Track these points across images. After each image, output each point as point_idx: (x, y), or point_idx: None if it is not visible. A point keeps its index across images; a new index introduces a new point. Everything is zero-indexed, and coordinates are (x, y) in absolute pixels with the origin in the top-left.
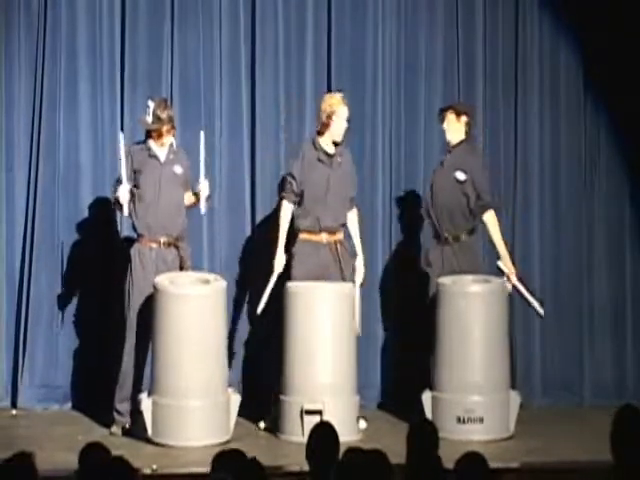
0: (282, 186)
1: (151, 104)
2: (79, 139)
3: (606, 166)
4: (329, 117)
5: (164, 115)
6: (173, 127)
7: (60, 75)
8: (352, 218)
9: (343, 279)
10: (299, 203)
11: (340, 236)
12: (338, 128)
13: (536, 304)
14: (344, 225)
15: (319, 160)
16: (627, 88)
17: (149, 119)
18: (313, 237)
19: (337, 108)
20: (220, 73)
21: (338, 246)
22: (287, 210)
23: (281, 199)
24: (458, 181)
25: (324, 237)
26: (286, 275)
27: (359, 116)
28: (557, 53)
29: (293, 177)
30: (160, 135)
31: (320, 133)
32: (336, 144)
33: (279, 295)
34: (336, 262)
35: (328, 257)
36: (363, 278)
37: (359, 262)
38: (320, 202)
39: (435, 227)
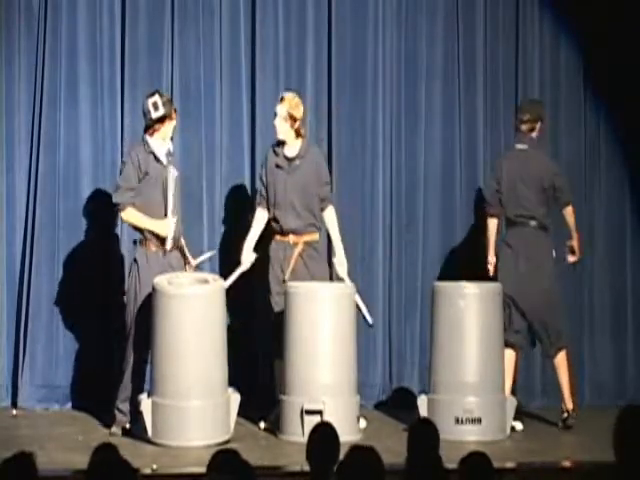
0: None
1: (149, 100)
2: (79, 139)
3: (606, 166)
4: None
5: (165, 99)
6: (175, 110)
7: (60, 76)
8: (328, 216)
9: (312, 279)
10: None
11: (309, 237)
12: (276, 126)
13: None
14: (314, 225)
15: (277, 166)
16: (627, 88)
17: (156, 112)
18: (282, 238)
19: (276, 108)
20: (220, 73)
21: (305, 247)
22: (259, 214)
23: (258, 204)
24: None
25: (291, 238)
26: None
27: (359, 116)
28: (557, 53)
29: (262, 183)
30: (170, 118)
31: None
32: (281, 142)
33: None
34: (304, 262)
35: (294, 256)
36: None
37: (338, 258)
38: (281, 206)
39: None
